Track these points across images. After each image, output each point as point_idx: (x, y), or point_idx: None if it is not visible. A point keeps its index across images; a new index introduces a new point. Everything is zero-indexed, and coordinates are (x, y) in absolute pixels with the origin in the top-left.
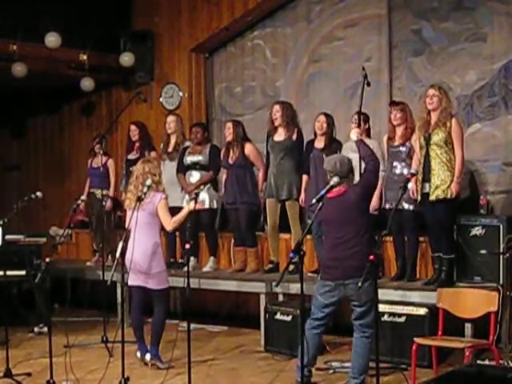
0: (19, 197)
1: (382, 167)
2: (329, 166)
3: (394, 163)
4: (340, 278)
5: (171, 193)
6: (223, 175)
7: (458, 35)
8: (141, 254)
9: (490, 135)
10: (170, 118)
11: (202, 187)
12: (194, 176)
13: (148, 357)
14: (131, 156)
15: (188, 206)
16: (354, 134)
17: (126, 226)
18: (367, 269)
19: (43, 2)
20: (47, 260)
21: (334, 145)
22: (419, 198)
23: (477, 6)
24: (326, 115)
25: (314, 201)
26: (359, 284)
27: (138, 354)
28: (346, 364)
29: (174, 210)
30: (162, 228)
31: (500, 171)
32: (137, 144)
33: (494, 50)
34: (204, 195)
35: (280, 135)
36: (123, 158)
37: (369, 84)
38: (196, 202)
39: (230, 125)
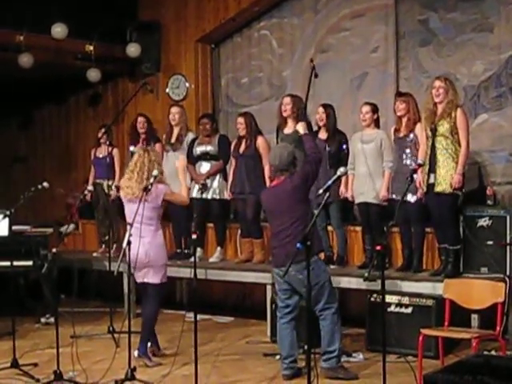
0: (26, 188)
1: (391, 158)
2: (270, 160)
3: (401, 154)
4: (281, 265)
5: (174, 184)
6: (231, 165)
7: (465, 25)
8: (142, 249)
9: (496, 126)
10: (175, 109)
11: (208, 179)
12: (204, 166)
13: (136, 354)
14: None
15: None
16: (301, 127)
17: (129, 218)
18: (294, 255)
19: None
20: (54, 250)
21: (337, 136)
22: (425, 188)
23: None
24: (325, 106)
25: (320, 191)
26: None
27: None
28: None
29: None
30: (166, 219)
31: (507, 162)
32: (143, 136)
33: (501, 40)
34: (215, 185)
35: (290, 128)
36: (129, 147)
37: (316, 75)
38: (202, 192)
39: (241, 120)
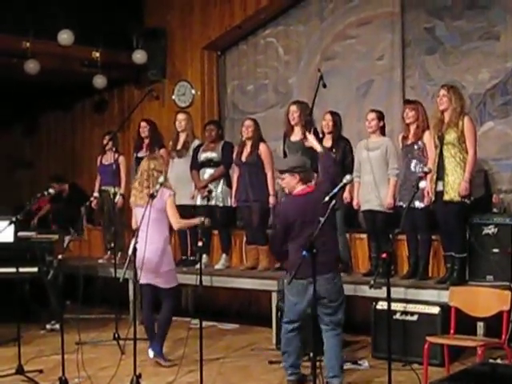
0: (31, 194)
1: (396, 165)
2: (293, 163)
3: (409, 161)
4: (310, 275)
5: (180, 190)
6: (234, 172)
7: (471, 34)
8: (151, 252)
9: (502, 134)
10: (181, 116)
11: (212, 185)
12: (208, 173)
13: (151, 354)
14: (141, 154)
15: (198, 220)
16: (318, 146)
17: (135, 223)
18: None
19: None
20: (59, 257)
21: (341, 143)
22: (433, 197)
23: (490, 5)
24: (332, 114)
25: (326, 198)
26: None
27: (151, 354)
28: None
29: (182, 208)
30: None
31: None
32: (146, 141)
33: (508, 48)
34: (218, 192)
35: (296, 135)
36: (133, 154)
37: (325, 86)
38: (209, 200)
39: (250, 123)
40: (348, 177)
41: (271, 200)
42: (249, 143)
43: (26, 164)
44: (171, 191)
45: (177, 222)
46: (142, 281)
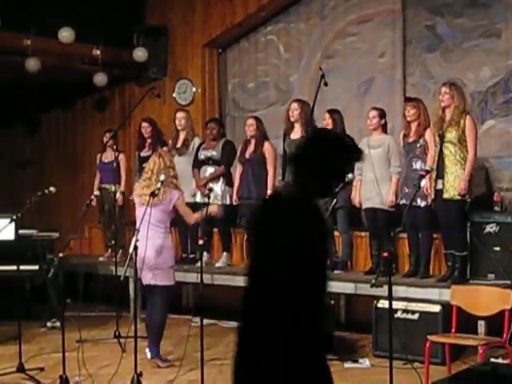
0: (33, 192)
1: (398, 163)
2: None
3: (410, 159)
4: None
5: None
6: (236, 170)
7: (473, 31)
8: (151, 251)
9: (504, 132)
10: (181, 114)
11: (212, 183)
12: (208, 171)
13: (149, 355)
14: (144, 153)
15: (211, 208)
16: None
17: (138, 222)
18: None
19: None
20: (60, 255)
21: None
22: (433, 195)
23: (491, 2)
24: (331, 112)
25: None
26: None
27: (148, 355)
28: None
29: None
30: (173, 224)
31: None
32: (148, 141)
33: (509, 46)
34: (217, 191)
35: (296, 133)
36: (135, 153)
37: (326, 84)
38: (209, 198)
39: (252, 121)
40: (349, 175)
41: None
42: (253, 141)
43: (27, 162)
44: (180, 191)
45: (191, 218)
46: (145, 281)
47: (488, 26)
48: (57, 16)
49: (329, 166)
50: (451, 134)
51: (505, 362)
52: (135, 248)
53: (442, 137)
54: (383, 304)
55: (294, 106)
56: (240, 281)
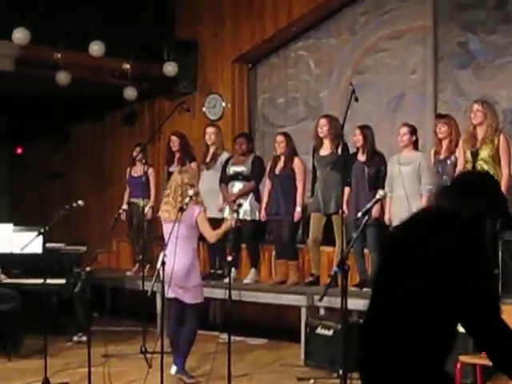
0: (61, 205)
1: (429, 181)
2: None
3: (441, 177)
4: None
5: (209, 203)
6: (265, 186)
7: (505, 48)
8: (179, 267)
9: None
10: (211, 130)
11: (242, 199)
12: (237, 186)
13: (174, 370)
14: (172, 168)
15: (226, 224)
16: None
17: (166, 238)
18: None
19: (87, 11)
20: (87, 269)
21: (376, 157)
22: None
23: None
24: (362, 128)
25: (359, 214)
26: None
27: (173, 371)
28: None
29: (212, 221)
30: (201, 239)
31: None
32: (177, 155)
33: None
34: (246, 206)
35: (326, 149)
36: (164, 168)
37: (357, 99)
38: (238, 214)
39: (282, 138)
40: (381, 192)
41: (296, 213)
42: (282, 157)
43: (58, 174)
44: (201, 207)
45: (211, 236)
46: (170, 295)
47: None
48: (87, 30)
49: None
50: (485, 153)
51: None
52: (163, 263)
53: (475, 155)
54: None
55: (323, 122)
56: (267, 297)
